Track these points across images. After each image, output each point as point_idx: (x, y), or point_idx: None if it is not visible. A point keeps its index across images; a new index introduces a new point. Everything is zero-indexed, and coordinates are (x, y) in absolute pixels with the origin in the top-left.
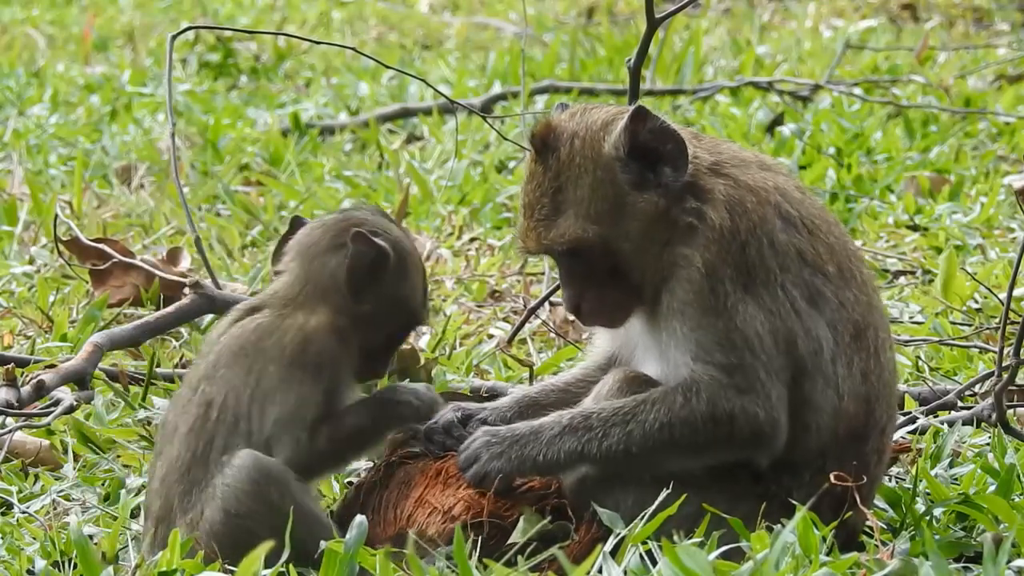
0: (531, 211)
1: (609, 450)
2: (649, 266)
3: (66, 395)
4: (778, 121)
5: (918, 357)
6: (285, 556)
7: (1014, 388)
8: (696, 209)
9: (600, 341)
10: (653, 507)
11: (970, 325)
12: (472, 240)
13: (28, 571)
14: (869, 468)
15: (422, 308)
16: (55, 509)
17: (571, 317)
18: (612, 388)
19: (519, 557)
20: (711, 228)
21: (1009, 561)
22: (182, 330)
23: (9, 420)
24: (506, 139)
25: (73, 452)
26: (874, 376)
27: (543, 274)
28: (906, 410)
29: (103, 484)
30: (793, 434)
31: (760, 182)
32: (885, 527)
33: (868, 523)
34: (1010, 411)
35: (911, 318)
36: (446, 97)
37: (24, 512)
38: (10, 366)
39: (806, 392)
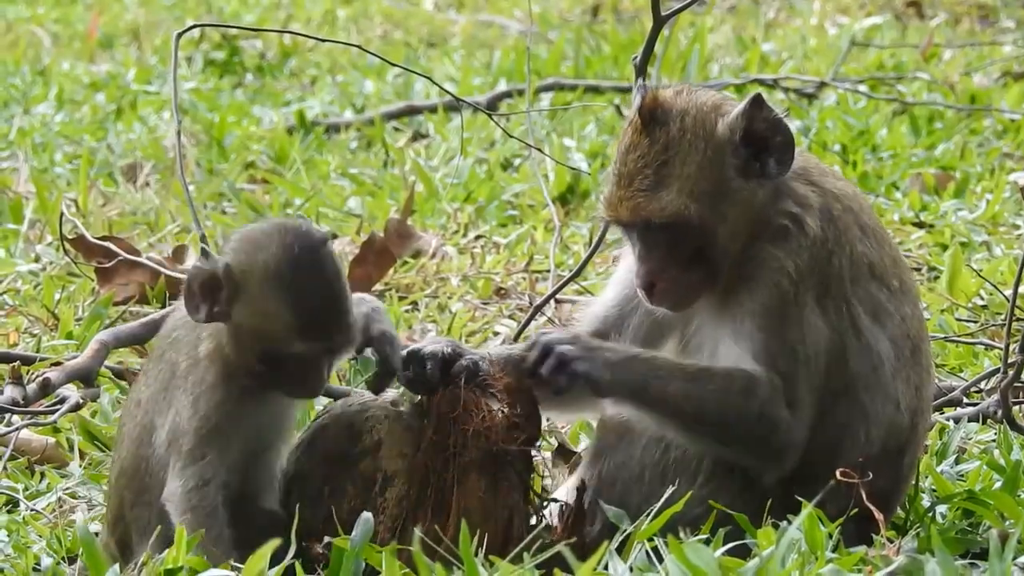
0: (630, 180)
1: (664, 395)
2: (733, 255)
3: (72, 393)
4: None
5: None
6: (291, 554)
7: (1020, 385)
8: (794, 214)
9: (591, 316)
10: (660, 503)
11: (976, 322)
12: (478, 237)
13: (34, 568)
14: (901, 482)
15: (290, 334)
16: (61, 507)
17: (641, 292)
18: None
19: (525, 554)
20: (806, 235)
21: (1015, 557)
22: None
23: (15, 418)
24: (511, 136)
25: (79, 450)
26: (924, 390)
27: (548, 271)
28: None
29: None
30: (839, 447)
31: (842, 190)
32: (891, 524)
33: (878, 523)
34: (1016, 408)
35: None
36: (451, 95)
37: (30, 510)
38: (16, 364)
39: (863, 404)
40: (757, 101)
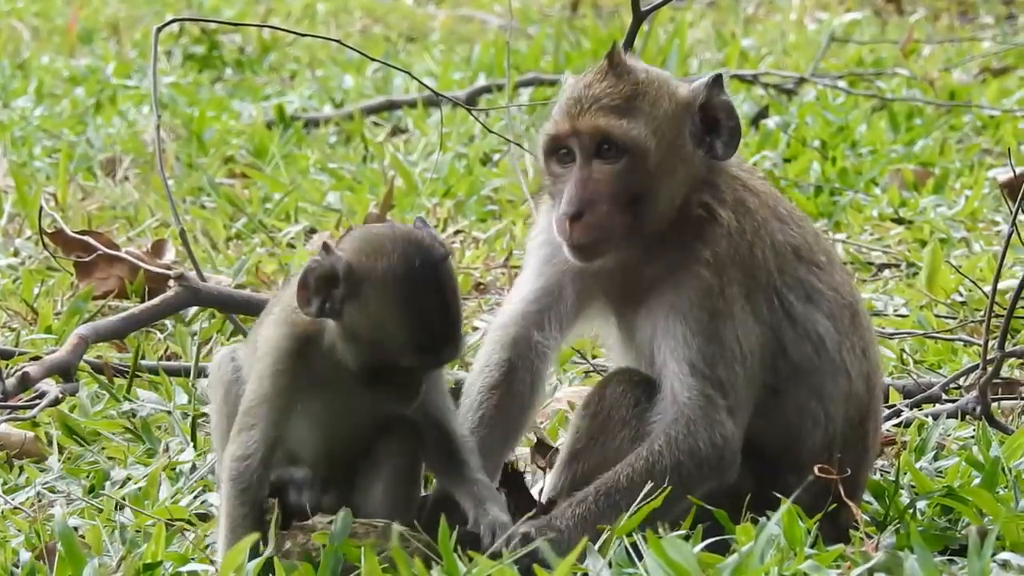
0: (596, 100)
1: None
2: (660, 221)
3: (51, 387)
4: (763, 114)
5: (903, 350)
6: (269, 550)
7: (998, 381)
8: (707, 204)
9: (510, 316)
10: (638, 500)
11: (955, 318)
12: (457, 232)
13: (12, 563)
14: (868, 450)
15: (399, 350)
16: (40, 501)
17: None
18: (616, 393)
19: (503, 549)
20: (720, 225)
21: (994, 554)
22: (167, 322)
23: None
24: (491, 131)
25: (58, 444)
26: (871, 349)
27: None
28: (891, 403)
29: (88, 476)
30: (801, 431)
31: (756, 185)
32: (870, 520)
33: (855, 518)
34: (994, 404)
35: (896, 311)
36: (431, 89)
37: (9, 504)
38: None
39: (815, 385)
40: (720, 79)
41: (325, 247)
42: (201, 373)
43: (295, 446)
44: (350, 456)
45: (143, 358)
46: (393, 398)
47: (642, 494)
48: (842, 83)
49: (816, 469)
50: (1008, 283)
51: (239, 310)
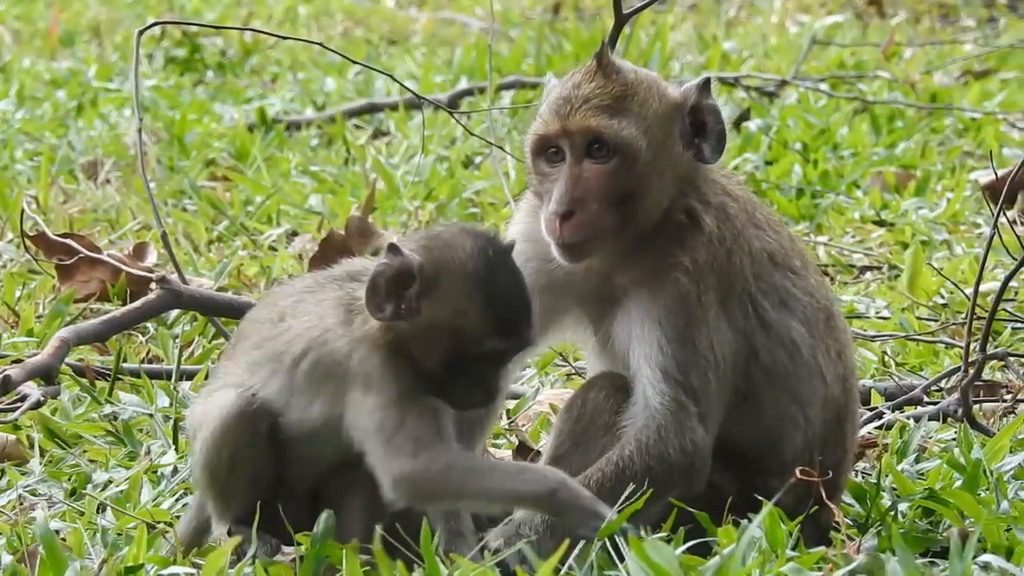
0: (586, 100)
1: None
2: (652, 218)
3: (33, 390)
4: (744, 117)
5: (884, 352)
6: (252, 551)
7: (980, 383)
8: (691, 209)
9: None
10: (619, 503)
11: (936, 320)
12: None
13: None
14: (848, 451)
15: (482, 334)
16: (21, 504)
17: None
18: (599, 398)
19: (485, 552)
20: (701, 231)
21: (975, 556)
22: (148, 325)
23: None
24: (472, 134)
25: (39, 447)
26: (846, 352)
27: None
28: (872, 405)
29: (69, 479)
30: (782, 434)
31: (735, 189)
32: (851, 523)
33: (836, 519)
34: (976, 406)
35: (877, 313)
36: (412, 92)
37: None
38: None
39: (792, 390)
40: (708, 83)
41: (392, 248)
42: (183, 376)
43: (301, 449)
44: (338, 468)
45: (125, 361)
46: (474, 392)
47: (614, 500)
48: (824, 86)
49: (797, 472)
50: (989, 285)
51: (221, 313)
